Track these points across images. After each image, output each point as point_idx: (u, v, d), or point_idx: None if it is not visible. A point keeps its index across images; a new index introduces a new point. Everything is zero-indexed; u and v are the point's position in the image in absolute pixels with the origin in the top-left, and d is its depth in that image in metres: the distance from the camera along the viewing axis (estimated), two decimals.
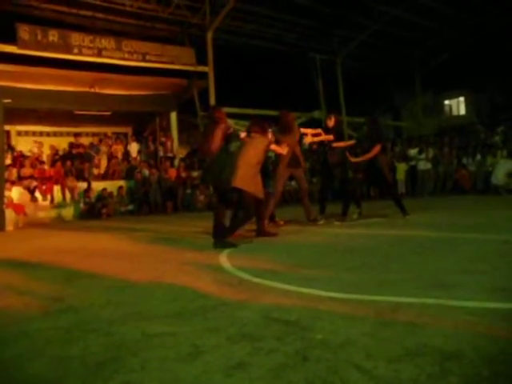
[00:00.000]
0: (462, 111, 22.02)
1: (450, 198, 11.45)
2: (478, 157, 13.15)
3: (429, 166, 13.73)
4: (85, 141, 15.26)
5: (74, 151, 14.13)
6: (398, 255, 3.78)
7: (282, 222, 6.72)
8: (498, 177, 11.63)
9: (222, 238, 4.90)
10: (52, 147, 14.41)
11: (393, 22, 15.75)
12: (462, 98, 21.98)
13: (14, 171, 11.54)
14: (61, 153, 14.10)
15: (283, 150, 5.77)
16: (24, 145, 14.34)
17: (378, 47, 17.84)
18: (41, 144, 14.01)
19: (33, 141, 14.23)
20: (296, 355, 1.72)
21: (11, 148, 13.14)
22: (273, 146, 5.44)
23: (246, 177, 5.06)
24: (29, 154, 13.27)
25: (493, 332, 1.83)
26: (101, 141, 15.10)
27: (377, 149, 6.52)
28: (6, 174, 10.39)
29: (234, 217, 5.32)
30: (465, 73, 18.08)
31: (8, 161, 11.48)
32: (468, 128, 17.14)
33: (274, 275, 3.18)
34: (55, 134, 15.91)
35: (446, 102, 22.63)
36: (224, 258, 4.07)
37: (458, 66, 17.85)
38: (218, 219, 5.18)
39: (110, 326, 2.25)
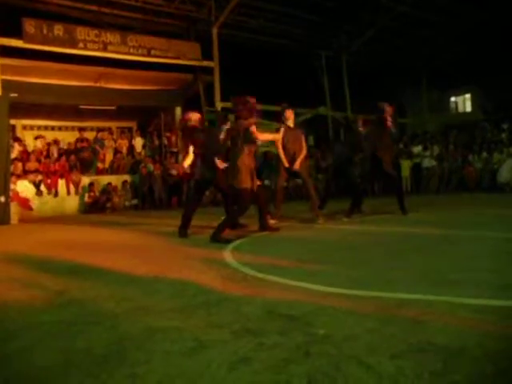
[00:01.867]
0: (468, 108, 21.87)
1: (455, 195, 11.40)
2: (484, 154, 13.07)
3: (433, 163, 13.66)
4: (90, 135, 15.27)
5: (79, 145, 14.15)
6: (403, 252, 3.77)
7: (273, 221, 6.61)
8: (504, 174, 11.57)
9: (217, 233, 4.92)
10: (55, 142, 14.45)
11: (399, 19, 15.64)
12: (468, 95, 21.82)
13: (20, 165, 11.58)
14: (65, 147, 14.12)
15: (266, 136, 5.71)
16: (29, 139, 14.37)
17: (384, 43, 17.72)
18: (44, 138, 14.00)
19: (34, 136, 14.15)
20: (299, 350, 1.72)
21: (19, 141, 13.16)
22: (253, 129, 5.22)
23: (240, 174, 5.10)
24: (34, 148, 13.28)
25: (497, 329, 1.83)
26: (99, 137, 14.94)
27: None
28: (12, 168, 10.43)
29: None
30: (471, 70, 17.94)
31: (13, 154, 11.50)
32: (474, 125, 17.02)
33: (278, 270, 3.18)
34: (60, 129, 15.93)
35: (452, 98, 22.48)
36: (228, 253, 4.08)
37: (465, 63, 17.72)
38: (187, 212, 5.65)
39: (114, 319, 2.27)
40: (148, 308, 2.44)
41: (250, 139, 5.18)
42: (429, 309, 2.14)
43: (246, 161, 5.14)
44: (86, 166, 13.14)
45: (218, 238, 4.87)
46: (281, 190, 6.67)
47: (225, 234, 5.05)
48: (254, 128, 5.21)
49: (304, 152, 6.58)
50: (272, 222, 6.42)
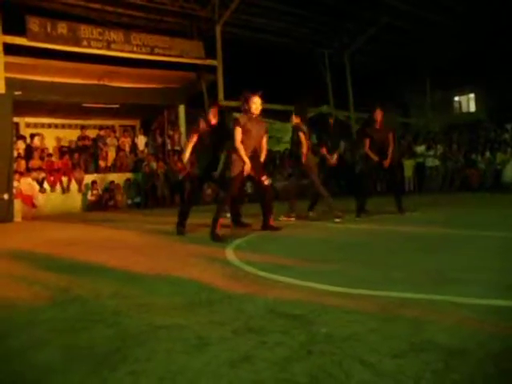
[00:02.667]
0: (472, 108, 21.78)
1: (458, 195, 11.37)
2: (488, 154, 13.03)
3: (437, 162, 13.63)
4: (92, 133, 15.30)
5: (82, 143, 14.19)
6: (406, 251, 3.77)
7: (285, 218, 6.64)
8: (508, 174, 11.54)
9: (212, 231, 4.96)
10: (58, 139, 14.52)
11: (402, 17, 15.61)
12: (472, 95, 21.72)
13: (23, 163, 11.61)
14: (67, 145, 14.16)
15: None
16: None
17: (388, 42, 17.69)
18: (42, 136, 13.99)
19: (29, 134, 14.11)
20: (301, 349, 1.72)
21: (22, 138, 13.20)
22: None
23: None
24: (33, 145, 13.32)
25: (498, 329, 1.82)
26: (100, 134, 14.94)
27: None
28: (15, 166, 10.45)
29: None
30: (475, 69, 17.87)
31: (16, 152, 11.52)
32: (478, 125, 16.97)
33: (280, 269, 3.18)
34: (63, 126, 15.96)
35: (456, 98, 22.39)
36: (230, 252, 4.08)
37: (469, 62, 17.66)
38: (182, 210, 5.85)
39: (116, 317, 2.27)
40: (150, 305, 2.45)
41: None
42: (431, 308, 2.13)
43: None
44: (90, 164, 13.17)
45: (212, 235, 4.91)
46: (295, 187, 6.76)
47: (219, 228, 4.98)
48: (238, 130, 5.13)
49: (304, 148, 6.44)
50: (285, 219, 6.46)
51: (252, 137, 5.22)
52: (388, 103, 20.70)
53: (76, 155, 13.02)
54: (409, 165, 13.95)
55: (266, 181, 5.31)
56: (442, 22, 16.10)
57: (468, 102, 22.07)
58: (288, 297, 2.47)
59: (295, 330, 1.94)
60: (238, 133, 5.11)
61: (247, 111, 5.24)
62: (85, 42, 11.83)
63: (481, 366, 1.49)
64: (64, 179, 12.03)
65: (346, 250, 4.02)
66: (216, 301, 2.46)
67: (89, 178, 12.40)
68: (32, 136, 13.63)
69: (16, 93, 10.22)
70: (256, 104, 5.23)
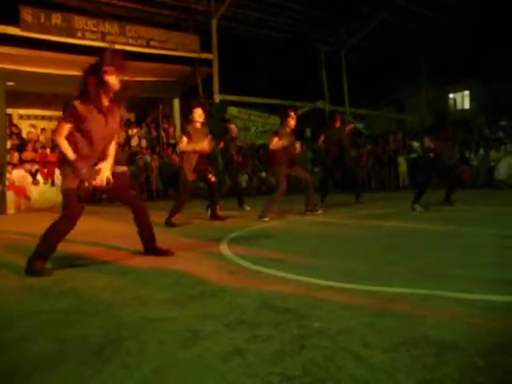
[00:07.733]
0: (467, 105, 21.87)
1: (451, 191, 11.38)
2: (481, 151, 13.08)
3: None
4: None
5: None
6: (398, 247, 3.79)
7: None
8: (501, 171, 11.60)
9: (168, 218, 5.78)
10: (52, 132, 14.43)
11: (399, 14, 15.58)
12: (466, 92, 21.81)
13: (16, 155, 11.52)
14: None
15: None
16: (26, 128, 14.30)
17: (384, 39, 17.67)
18: (45, 129, 13.93)
19: (29, 125, 14.12)
20: (293, 343, 1.73)
21: (17, 134, 13.13)
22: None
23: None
24: (27, 137, 13.25)
25: (488, 324, 1.84)
26: None
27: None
28: (8, 158, 10.37)
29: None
30: (470, 66, 17.93)
31: (9, 144, 11.44)
32: (472, 122, 17.03)
33: (273, 263, 3.19)
34: (58, 119, 15.85)
35: (451, 95, 22.47)
36: (224, 246, 4.08)
37: (464, 59, 17.70)
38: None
39: (109, 309, 2.28)
40: (144, 298, 2.45)
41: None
42: (423, 303, 2.15)
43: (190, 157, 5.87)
44: None
45: (167, 222, 5.74)
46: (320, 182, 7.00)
47: (175, 219, 5.80)
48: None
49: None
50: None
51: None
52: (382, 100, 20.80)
53: None
54: (403, 161, 13.99)
55: (212, 178, 6.11)
56: (438, 19, 16.11)
57: (463, 99, 22.16)
58: (281, 291, 2.48)
59: (288, 323, 1.95)
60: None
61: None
62: (79, 34, 11.71)
63: (471, 360, 1.51)
64: (58, 172, 11.96)
65: (340, 245, 4.04)
66: (209, 294, 2.47)
67: None
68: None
69: (9, 83, 10.12)
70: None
